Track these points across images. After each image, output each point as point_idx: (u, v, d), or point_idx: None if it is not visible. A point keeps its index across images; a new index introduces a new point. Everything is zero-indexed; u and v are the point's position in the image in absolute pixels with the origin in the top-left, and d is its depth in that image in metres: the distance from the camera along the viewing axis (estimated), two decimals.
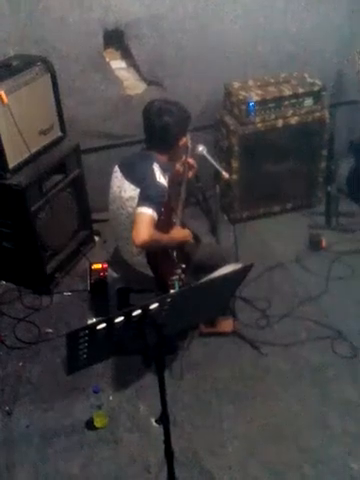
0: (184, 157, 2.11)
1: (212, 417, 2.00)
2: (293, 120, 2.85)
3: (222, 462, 1.85)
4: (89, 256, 2.83)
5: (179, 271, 1.97)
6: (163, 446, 1.51)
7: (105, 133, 2.94)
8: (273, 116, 2.81)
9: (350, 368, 2.15)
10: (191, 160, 2.15)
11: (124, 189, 1.94)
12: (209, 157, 2.19)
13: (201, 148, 2.20)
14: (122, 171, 1.98)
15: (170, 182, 1.97)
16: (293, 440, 1.90)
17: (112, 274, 2.24)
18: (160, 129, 1.90)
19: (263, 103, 2.77)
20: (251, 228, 2.98)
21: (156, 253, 1.97)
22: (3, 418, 2.02)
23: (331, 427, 1.94)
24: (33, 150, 2.38)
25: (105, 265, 2.55)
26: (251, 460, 1.85)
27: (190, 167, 2.15)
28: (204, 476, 1.81)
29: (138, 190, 1.87)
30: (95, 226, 2.94)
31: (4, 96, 2.15)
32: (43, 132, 2.46)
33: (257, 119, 2.79)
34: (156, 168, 1.88)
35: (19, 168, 2.35)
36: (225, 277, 1.39)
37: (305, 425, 1.95)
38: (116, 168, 2.01)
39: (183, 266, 2.01)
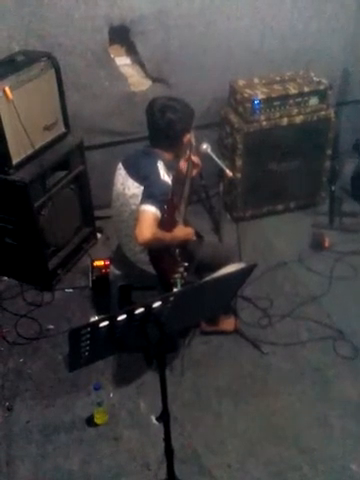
0: (188, 154, 2.10)
1: (212, 415, 2.00)
2: (298, 119, 2.84)
3: (221, 460, 1.85)
4: (91, 253, 2.83)
5: (181, 269, 1.96)
6: (163, 443, 1.51)
7: (109, 130, 2.93)
8: (278, 114, 2.80)
9: (351, 369, 2.15)
10: (195, 158, 2.14)
11: (128, 186, 1.94)
12: (213, 155, 2.18)
13: (205, 146, 2.19)
14: (126, 168, 1.97)
15: (174, 180, 1.96)
16: (293, 440, 1.90)
17: (114, 271, 2.24)
18: (164, 126, 1.89)
19: (268, 101, 2.75)
20: (254, 227, 2.97)
21: (158, 251, 1.97)
22: (3, 414, 2.03)
23: (331, 427, 1.94)
24: (37, 146, 2.38)
25: (107, 262, 2.55)
26: (250, 459, 1.85)
27: (194, 165, 2.15)
28: (203, 474, 1.81)
29: (142, 188, 1.87)
30: (98, 223, 2.93)
31: (9, 92, 2.14)
32: (47, 128, 2.46)
33: (262, 117, 2.78)
34: (160, 166, 1.88)
35: (23, 164, 2.34)
36: (228, 276, 1.39)
37: (305, 425, 1.95)
38: (120, 165, 2.01)
39: (185, 264, 2.00)
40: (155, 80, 2.92)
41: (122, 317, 1.18)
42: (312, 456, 1.85)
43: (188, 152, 2.09)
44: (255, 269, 1.43)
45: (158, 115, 1.89)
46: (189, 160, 2.11)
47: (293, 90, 2.80)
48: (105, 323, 1.16)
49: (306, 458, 1.84)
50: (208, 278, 1.36)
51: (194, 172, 2.16)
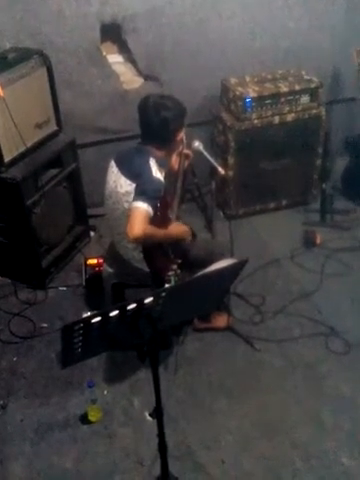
0: (180, 149, 2.11)
1: (205, 412, 2.01)
2: (289, 117, 2.86)
3: (215, 456, 1.86)
4: (85, 251, 2.82)
5: (175, 266, 1.97)
6: (157, 440, 1.52)
7: (101, 127, 2.93)
8: (269, 112, 2.82)
9: (343, 364, 2.17)
10: (186, 150, 2.15)
11: (120, 184, 1.94)
12: (205, 152, 2.19)
13: (197, 143, 2.20)
14: (118, 166, 1.97)
15: (166, 177, 1.97)
16: (286, 435, 1.91)
17: (107, 269, 2.24)
18: (158, 125, 1.89)
19: (260, 99, 2.77)
20: (246, 224, 2.99)
21: (152, 248, 1.97)
22: None
23: (324, 422, 1.96)
24: (29, 144, 2.37)
25: (100, 260, 2.55)
26: (244, 454, 1.86)
27: (186, 157, 2.15)
28: (197, 470, 1.82)
29: (134, 185, 1.87)
30: (91, 221, 2.93)
31: (0, 89, 2.13)
32: (39, 126, 2.45)
33: (254, 115, 2.80)
34: (152, 163, 1.88)
35: (14, 162, 2.34)
36: (220, 272, 1.39)
37: (298, 420, 1.97)
38: (112, 163, 2.01)
39: (179, 261, 2.01)
40: (147, 78, 2.92)
41: (114, 313, 1.18)
42: (305, 451, 1.86)
43: (180, 148, 2.10)
44: (247, 266, 1.44)
45: (152, 113, 1.89)
46: (181, 154, 2.11)
47: (284, 88, 2.81)
48: (97, 319, 1.16)
49: (299, 453, 1.85)
50: (199, 273, 1.36)
51: (186, 163, 2.16)
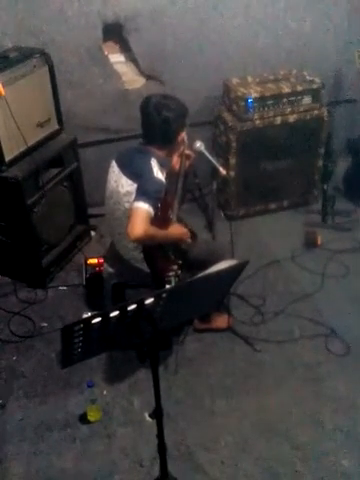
0: (181, 150, 2.11)
1: (205, 412, 2.01)
2: (291, 118, 2.86)
3: (214, 457, 1.86)
4: (85, 251, 2.82)
5: (175, 267, 1.97)
6: (156, 440, 1.52)
7: (103, 127, 2.93)
8: (271, 113, 2.82)
9: (343, 366, 2.17)
10: (188, 151, 2.15)
11: (121, 184, 1.94)
12: (207, 153, 2.19)
13: (199, 144, 2.20)
14: (119, 166, 1.97)
15: (167, 177, 1.97)
16: (285, 436, 1.91)
17: (108, 269, 2.24)
18: (160, 125, 1.89)
19: (262, 100, 2.77)
20: (247, 225, 2.99)
21: (152, 249, 1.97)
22: None
23: (323, 424, 1.96)
24: (30, 143, 2.37)
25: (101, 260, 2.54)
26: (243, 455, 1.86)
27: (187, 157, 2.15)
28: (196, 471, 1.82)
29: (135, 185, 1.87)
30: (91, 221, 2.93)
31: (1, 88, 2.13)
32: (40, 125, 2.45)
33: (255, 116, 2.79)
34: (154, 163, 1.88)
35: (15, 161, 2.34)
36: (220, 273, 1.39)
37: (297, 421, 1.97)
38: (113, 163, 2.01)
39: (179, 262, 2.01)
40: (149, 78, 2.92)
41: (115, 313, 1.18)
42: (304, 452, 1.86)
43: (182, 149, 2.10)
44: (248, 267, 1.43)
45: (154, 113, 1.89)
46: (182, 155, 2.11)
47: (286, 89, 2.81)
48: (98, 319, 1.16)
49: (298, 454, 1.85)
50: (200, 274, 1.36)
51: (187, 163, 2.16)
